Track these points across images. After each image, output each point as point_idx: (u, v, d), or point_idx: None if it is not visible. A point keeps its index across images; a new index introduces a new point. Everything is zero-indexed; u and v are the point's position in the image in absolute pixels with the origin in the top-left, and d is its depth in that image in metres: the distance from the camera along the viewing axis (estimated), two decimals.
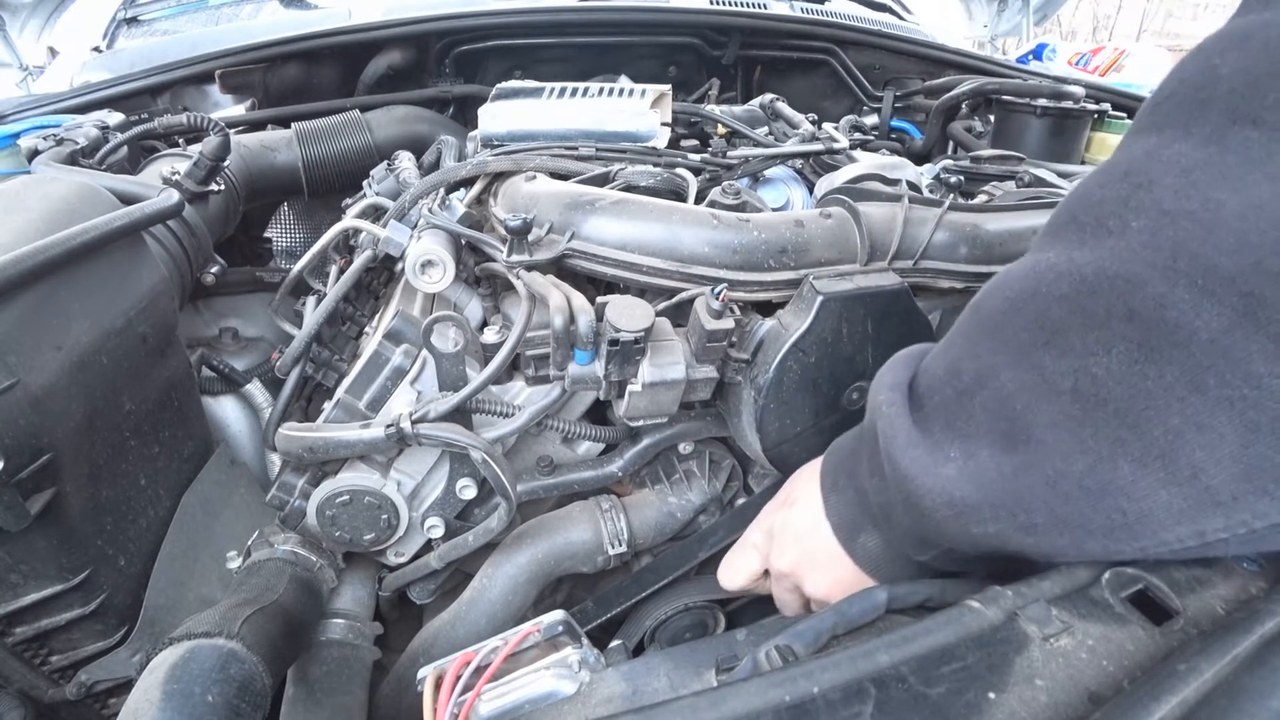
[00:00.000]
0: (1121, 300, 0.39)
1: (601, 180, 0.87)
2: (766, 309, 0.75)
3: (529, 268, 0.73)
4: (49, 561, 0.65)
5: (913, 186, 0.91)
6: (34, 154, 0.96)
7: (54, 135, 1.00)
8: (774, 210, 0.91)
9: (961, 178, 0.93)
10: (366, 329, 0.97)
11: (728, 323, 0.67)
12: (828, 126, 1.19)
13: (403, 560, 0.81)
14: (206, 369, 1.00)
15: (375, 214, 0.98)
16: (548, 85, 1.04)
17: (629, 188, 0.86)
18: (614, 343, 0.66)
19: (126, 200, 0.78)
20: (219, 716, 0.52)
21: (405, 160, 1.10)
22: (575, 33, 1.67)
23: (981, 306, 0.49)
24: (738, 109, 1.27)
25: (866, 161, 0.96)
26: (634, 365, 0.68)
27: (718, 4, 1.79)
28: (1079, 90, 1.28)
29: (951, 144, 1.42)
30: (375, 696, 0.76)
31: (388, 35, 1.56)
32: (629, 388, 0.69)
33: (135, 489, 0.75)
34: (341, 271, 0.92)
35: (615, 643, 0.78)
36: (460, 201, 0.87)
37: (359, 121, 1.34)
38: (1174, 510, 0.40)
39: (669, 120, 1.08)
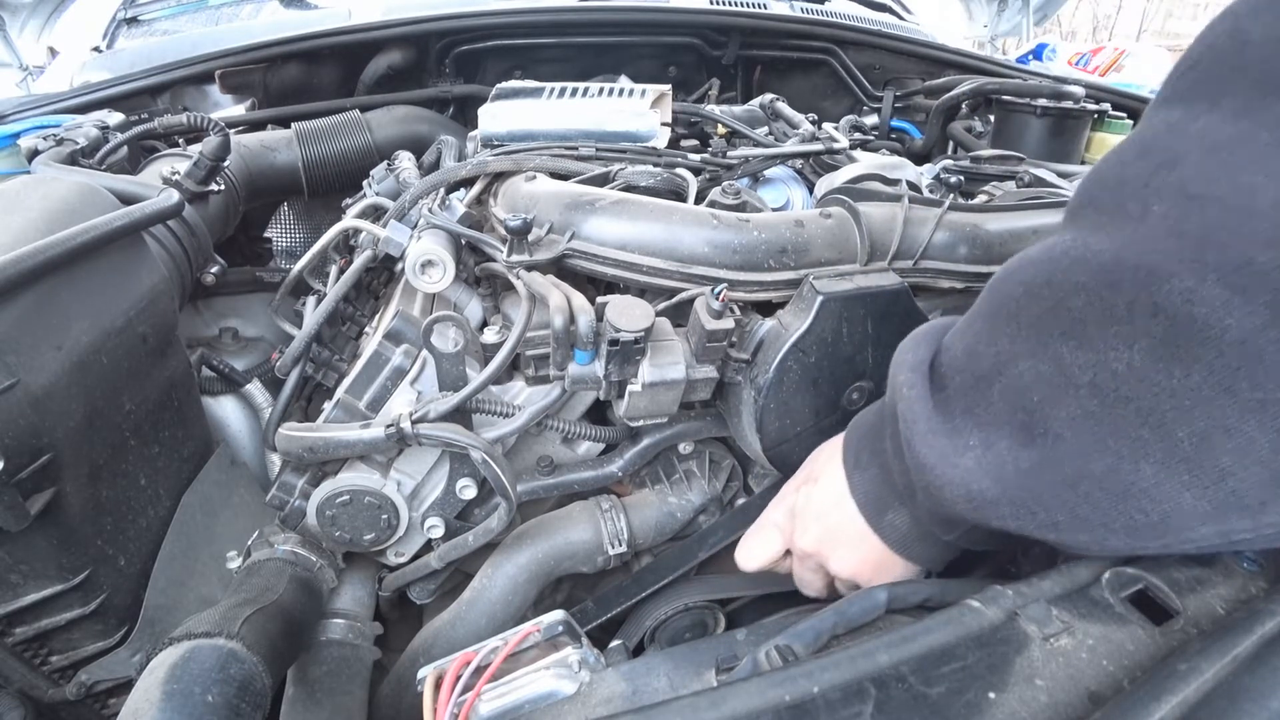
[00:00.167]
0: (1145, 293, 0.36)
1: (601, 180, 0.87)
2: (766, 309, 0.75)
3: (529, 268, 0.73)
4: (49, 561, 0.65)
5: (913, 186, 0.91)
6: (34, 154, 0.95)
7: (54, 135, 1.00)
8: (774, 210, 0.91)
9: (961, 178, 0.93)
10: (366, 329, 0.97)
11: (728, 323, 0.67)
12: (828, 126, 1.19)
13: (403, 560, 0.81)
14: (206, 369, 1.00)
15: (375, 214, 0.98)
16: (548, 85, 1.04)
17: (629, 188, 0.86)
18: (614, 343, 0.66)
19: (126, 200, 0.78)
20: (219, 716, 0.52)
21: (405, 160, 1.10)
22: (575, 33, 1.67)
23: (998, 288, 0.47)
24: (738, 109, 1.27)
25: (866, 161, 0.96)
26: (634, 365, 0.68)
27: (718, 4, 1.79)
28: (1079, 90, 1.28)
29: (951, 144, 1.42)
30: (375, 696, 0.76)
31: (388, 35, 1.56)
32: (629, 388, 0.69)
33: (135, 489, 0.75)
34: (341, 271, 0.92)
35: (615, 643, 0.78)
36: (460, 201, 0.87)
37: (359, 121, 1.34)
38: (1199, 513, 0.38)
39: (669, 120, 1.08)
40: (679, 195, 0.87)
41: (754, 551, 0.69)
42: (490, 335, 0.78)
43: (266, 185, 1.25)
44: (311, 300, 0.99)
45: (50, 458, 0.61)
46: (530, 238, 0.75)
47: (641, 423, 0.74)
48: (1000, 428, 0.45)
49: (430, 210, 0.83)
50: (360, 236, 0.91)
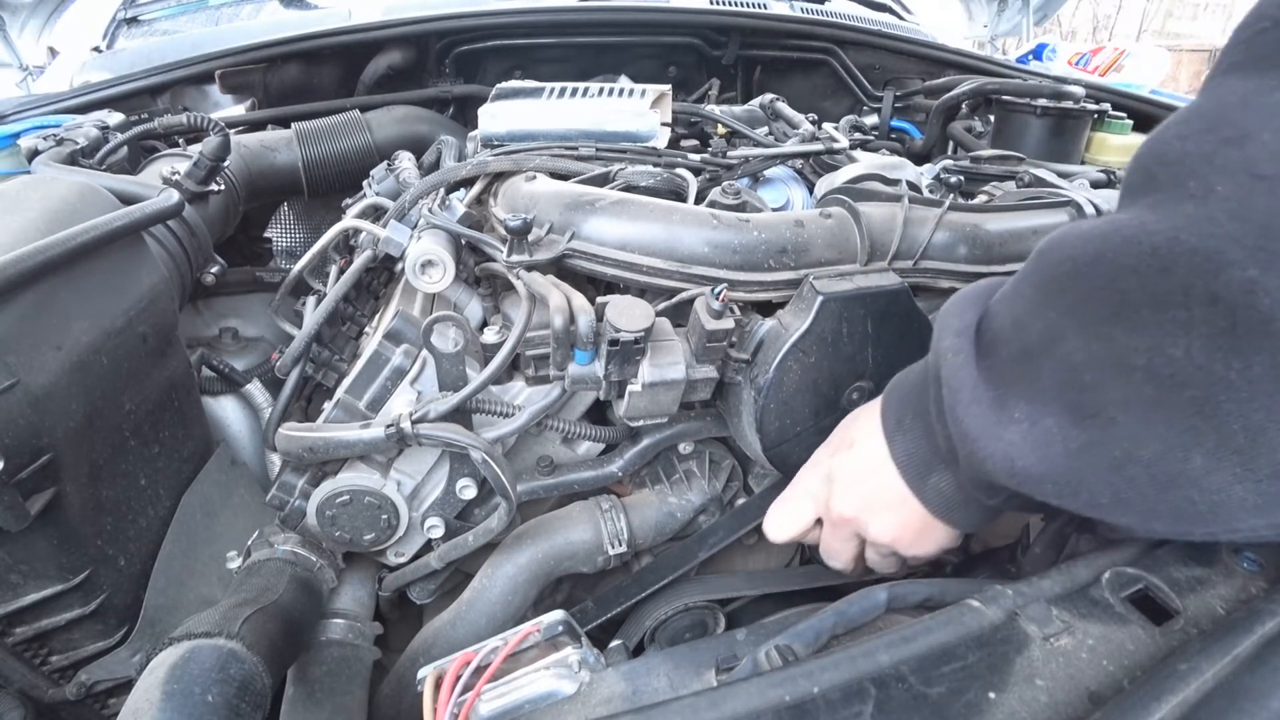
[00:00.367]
0: (1201, 281, 0.35)
1: (601, 180, 0.87)
2: (766, 309, 0.75)
3: (529, 268, 0.73)
4: (49, 561, 0.65)
5: (913, 186, 0.91)
6: (34, 154, 0.95)
7: (54, 135, 1.00)
8: (774, 210, 0.91)
9: (961, 178, 0.93)
10: (366, 329, 0.97)
11: (728, 323, 0.67)
12: (828, 126, 1.19)
13: (403, 560, 0.81)
14: (206, 369, 1.00)
15: (375, 214, 0.98)
16: (548, 85, 1.04)
17: (629, 188, 0.86)
18: (614, 343, 0.66)
19: (126, 200, 0.78)
20: (219, 716, 0.52)
21: (405, 160, 1.10)
22: (575, 33, 1.67)
23: (1046, 258, 0.45)
24: (738, 109, 1.27)
25: (866, 161, 0.96)
26: (634, 365, 0.68)
27: (718, 4, 1.79)
28: (1079, 90, 1.28)
29: (951, 144, 1.42)
30: (375, 696, 0.76)
31: (388, 35, 1.56)
32: (629, 388, 0.69)
33: (135, 489, 0.75)
34: (341, 271, 0.92)
35: (615, 643, 0.78)
36: (460, 201, 0.87)
37: (359, 121, 1.34)
38: (1248, 505, 0.38)
39: (669, 120, 1.08)
40: (679, 195, 0.87)
41: (785, 521, 0.67)
42: (490, 335, 0.78)
43: (266, 185, 1.25)
44: (311, 300, 0.99)
45: (50, 458, 0.61)
46: (530, 238, 0.75)
47: (641, 423, 0.74)
48: (1048, 404, 0.43)
49: (430, 210, 0.83)
50: (360, 236, 0.91)
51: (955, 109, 1.43)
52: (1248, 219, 0.33)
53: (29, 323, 0.61)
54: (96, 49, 1.75)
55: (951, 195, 0.84)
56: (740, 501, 0.89)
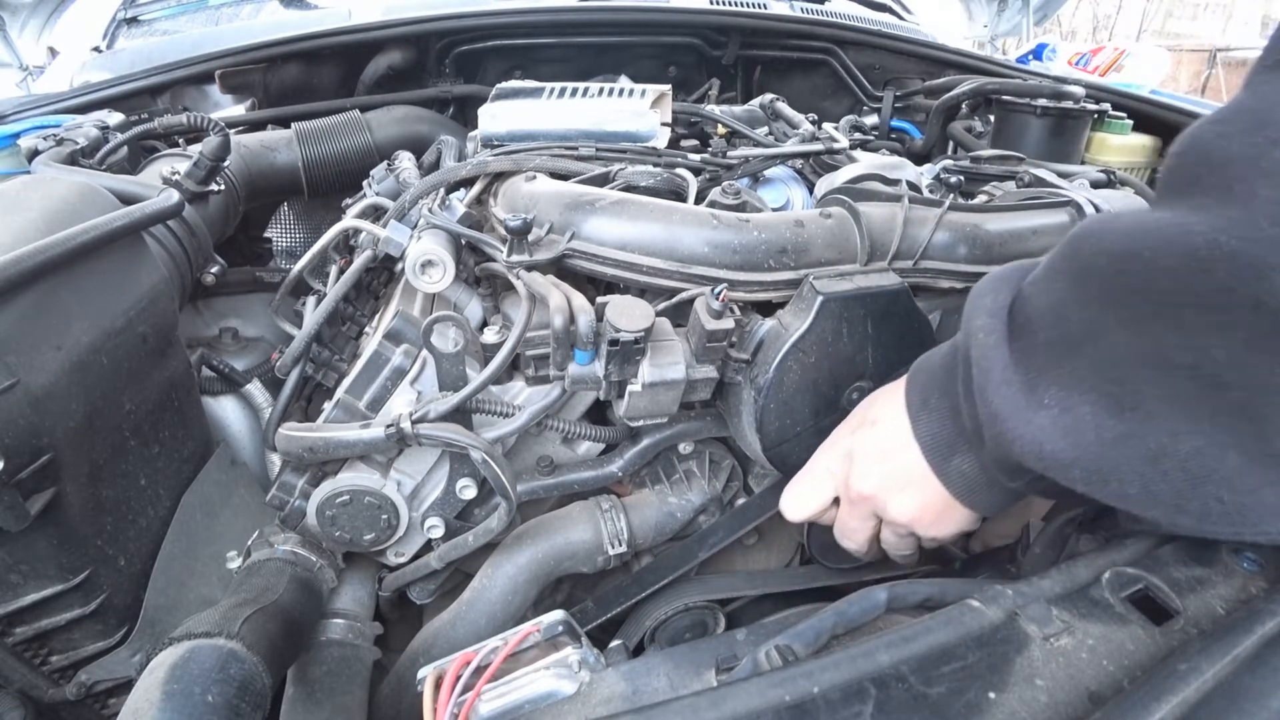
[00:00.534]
0: (1243, 285, 0.35)
1: (601, 180, 0.87)
2: (766, 309, 0.75)
3: (529, 268, 0.73)
4: (49, 561, 0.65)
5: (913, 186, 0.91)
6: (34, 154, 0.95)
7: (54, 135, 1.00)
8: (774, 210, 0.91)
9: (961, 178, 0.93)
10: (366, 329, 0.97)
11: (728, 323, 0.67)
12: (828, 126, 1.19)
13: (403, 560, 0.81)
14: (206, 369, 1.00)
15: (375, 214, 0.98)
16: (548, 85, 1.04)
17: (629, 188, 0.86)
18: (614, 343, 0.66)
19: (126, 200, 0.78)
20: (219, 716, 0.52)
21: (405, 160, 1.10)
22: (575, 33, 1.67)
23: (1081, 249, 0.45)
24: (738, 109, 1.27)
25: (866, 161, 0.96)
26: (634, 365, 0.68)
27: (718, 4, 1.79)
28: (1079, 90, 1.28)
29: (951, 144, 1.42)
30: (375, 696, 0.76)
31: (388, 35, 1.56)
32: (629, 388, 0.69)
33: (135, 489, 0.75)
34: (341, 271, 0.92)
35: (615, 643, 0.78)
36: (460, 201, 0.87)
37: (359, 121, 1.34)
38: (1277, 509, 0.38)
39: (669, 120, 1.08)
40: (679, 195, 0.87)
41: (802, 499, 0.67)
42: (490, 335, 0.78)
43: (266, 185, 1.25)
44: (311, 300, 0.99)
45: (50, 458, 0.61)
46: (530, 238, 0.75)
47: (641, 423, 0.74)
48: (1084, 394, 0.43)
49: (430, 210, 0.83)
50: (360, 236, 0.91)
51: (955, 109, 1.43)
52: None
53: (29, 323, 0.61)
54: (96, 49, 1.75)
55: (951, 195, 0.84)
56: (740, 501, 0.89)
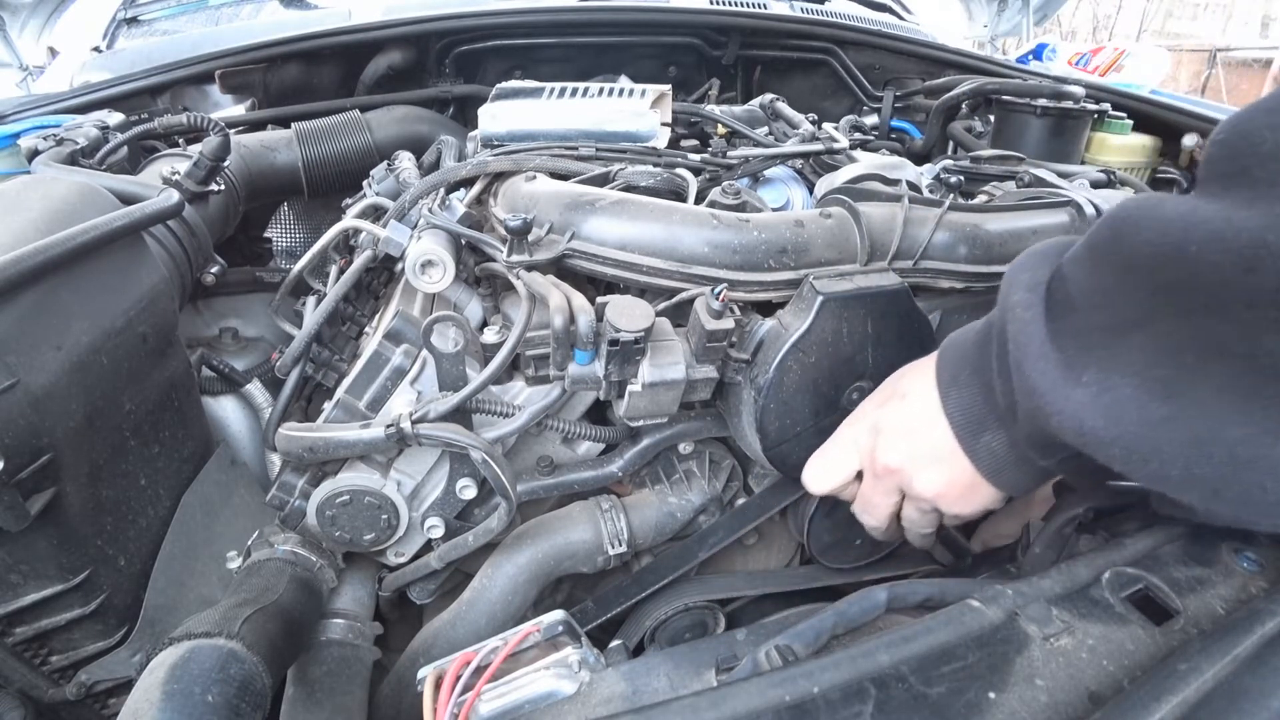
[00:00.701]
0: None
1: (601, 180, 0.87)
2: (766, 309, 0.75)
3: (529, 268, 0.73)
4: (49, 561, 0.65)
5: (913, 186, 0.91)
6: (34, 154, 0.95)
7: (54, 135, 1.00)
8: (774, 210, 0.91)
9: (961, 178, 0.93)
10: (366, 329, 0.97)
11: (728, 323, 0.67)
12: (828, 126, 1.19)
13: (403, 560, 0.81)
14: (206, 369, 1.00)
15: (375, 214, 0.98)
16: (548, 85, 1.04)
17: (629, 188, 0.86)
18: (614, 343, 0.66)
19: (126, 200, 0.78)
20: (219, 716, 0.52)
21: (405, 160, 1.10)
22: (575, 33, 1.67)
23: (1126, 240, 0.45)
24: (738, 109, 1.27)
25: (866, 161, 0.96)
26: (634, 365, 0.68)
27: (718, 4, 1.79)
28: (1079, 90, 1.28)
29: (951, 144, 1.42)
30: (375, 696, 0.76)
31: (388, 35, 1.56)
32: (629, 388, 0.69)
33: (135, 489, 0.75)
34: (341, 271, 0.92)
35: (615, 643, 0.78)
36: (460, 201, 0.87)
37: (359, 121, 1.34)
38: None
39: (669, 120, 1.08)
40: (679, 195, 0.87)
41: (826, 471, 0.66)
42: (490, 335, 0.78)
43: (266, 185, 1.25)
44: (311, 300, 0.99)
45: (50, 458, 0.61)
46: (530, 238, 0.75)
47: (641, 423, 0.74)
48: (1128, 376, 0.44)
49: (430, 210, 0.83)
50: (360, 236, 0.91)
51: (955, 109, 1.43)
52: None
53: (29, 323, 0.61)
54: (96, 49, 1.75)
55: (951, 195, 0.84)
56: (740, 501, 0.89)
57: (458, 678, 0.51)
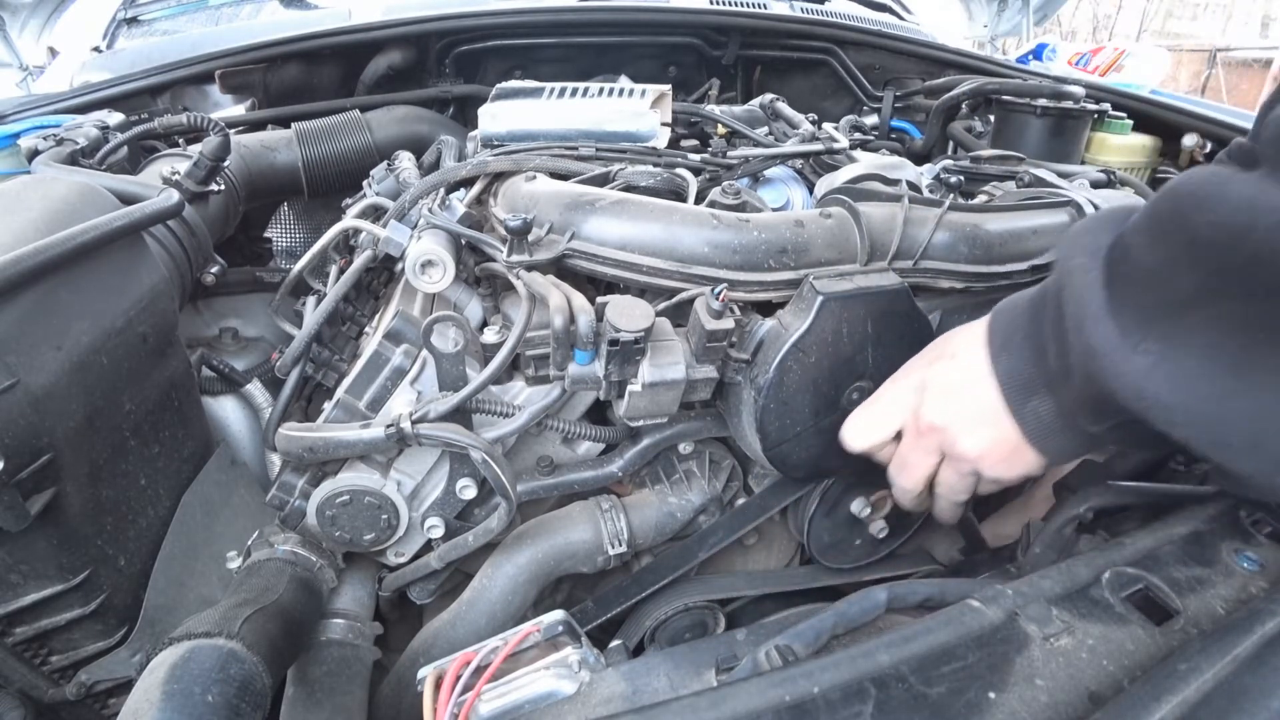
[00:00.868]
0: None
1: (601, 180, 0.87)
2: (766, 309, 0.75)
3: (529, 268, 0.73)
4: (49, 561, 0.65)
5: (913, 186, 0.91)
6: (34, 154, 0.95)
7: (54, 135, 1.00)
8: (774, 210, 0.91)
9: (961, 178, 0.93)
10: (366, 329, 0.97)
11: (728, 323, 0.67)
12: (828, 126, 1.19)
13: (403, 560, 0.81)
14: (206, 369, 1.00)
15: (375, 214, 0.98)
16: (548, 85, 1.04)
17: (629, 188, 0.86)
18: (614, 343, 0.66)
19: (126, 200, 0.78)
20: (219, 716, 0.52)
21: (405, 160, 1.10)
22: (575, 33, 1.67)
23: (1188, 215, 0.45)
24: (738, 109, 1.27)
25: (866, 161, 0.96)
26: (634, 365, 0.68)
27: (718, 4, 1.79)
28: (1079, 90, 1.28)
29: (951, 144, 1.42)
30: (375, 696, 0.76)
31: (388, 35, 1.56)
32: (629, 388, 0.69)
33: (135, 489, 0.75)
34: (341, 271, 0.92)
35: (615, 643, 0.78)
36: (460, 201, 0.87)
37: (359, 121, 1.34)
38: None
39: (669, 120, 1.08)
40: (679, 195, 0.87)
41: (868, 426, 0.66)
42: (490, 335, 0.78)
43: (266, 185, 1.25)
44: (311, 300, 0.99)
45: (50, 458, 0.61)
46: (530, 238, 0.75)
47: (641, 423, 0.74)
48: (1191, 350, 0.44)
49: (430, 210, 0.83)
50: (360, 236, 0.91)
51: (955, 109, 1.43)
52: None
53: (29, 323, 0.61)
54: (96, 49, 1.75)
55: (951, 195, 0.84)
56: (740, 501, 0.89)
57: (458, 678, 0.51)
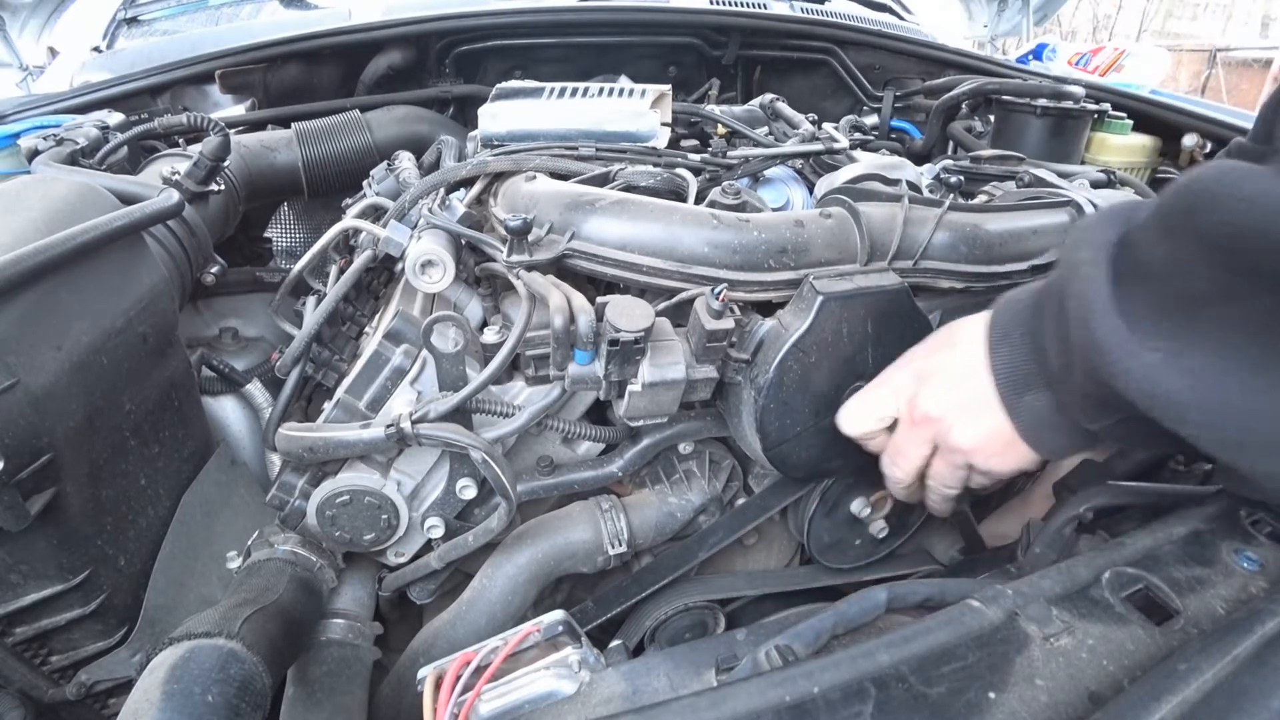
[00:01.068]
0: None
1: (601, 180, 0.87)
2: (766, 309, 0.75)
3: (529, 268, 0.73)
4: (49, 561, 0.65)
5: (913, 186, 0.91)
6: (34, 154, 0.95)
7: (54, 135, 1.00)
8: (774, 210, 0.91)
9: (961, 178, 0.93)
10: (366, 329, 0.97)
11: (728, 323, 0.67)
12: (828, 126, 1.19)
13: (403, 560, 0.81)
14: (206, 369, 1.00)
15: (375, 214, 0.98)
16: (548, 85, 1.04)
17: (629, 188, 0.86)
18: (614, 343, 0.66)
19: (126, 200, 0.78)
20: (219, 716, 0.52)
21: (405, 160, 1.10)
22: (575, 33, 1.67)
23: (1198, 213, 0.44)
24: (738, 109, 1.27)
25: (866, 161, 0.96)
26: (634, 365, 0.68)
27: (718, 4, 1.79)
28: (1079, 90, 1.28)
29: (951, 144, 1.42)
30: (375, 696, 0.76)
31: (388, 35, 1.56)
32: (629, 388, 0.69)
33: (135, 489, 0.75)
34: (341, 271, 0.92)
35: (615, 643, 0.78)
36: (460, 201, 0.87)
37: (359, 121, 1.34)
38: None
39: (669, 120, 1.08)
40: (679, 195, 0.87)
41: (863, 412, 0.66)
42: (490, 335, 0.78)
43: (266, 185, 1.25)
44: (311, 300, 0.99)
45: (50, 458, 0.61)
46: (530, 238, 0.75)
47: (641, 423, 0.74)
48: (1204, 348, 0.43)
49: (430, 210, 0.83)
50: (360, 236, 0.91)
51: (955, 109, 1.43)
52: None
53: (29, 323, 0.61)
54: (96, 49, 1.75)
55: (951, 195, 0.84)
56: (740, 501, 0.89)
57: (458, 678, 0.51)
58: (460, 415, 0.70)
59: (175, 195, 0.79)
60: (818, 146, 1.01)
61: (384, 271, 1.04)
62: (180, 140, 1.20)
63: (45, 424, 0.61)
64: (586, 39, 1.68)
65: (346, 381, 0.74)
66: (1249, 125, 0.69)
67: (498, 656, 0.53)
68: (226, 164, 1.04)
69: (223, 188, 1.07)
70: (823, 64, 1.79)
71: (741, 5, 1.80)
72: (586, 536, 0.81)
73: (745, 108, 1.29)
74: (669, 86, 1.07)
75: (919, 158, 1.40)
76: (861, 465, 0.74)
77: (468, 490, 0.76)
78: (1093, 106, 1.29)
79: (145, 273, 0.77)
